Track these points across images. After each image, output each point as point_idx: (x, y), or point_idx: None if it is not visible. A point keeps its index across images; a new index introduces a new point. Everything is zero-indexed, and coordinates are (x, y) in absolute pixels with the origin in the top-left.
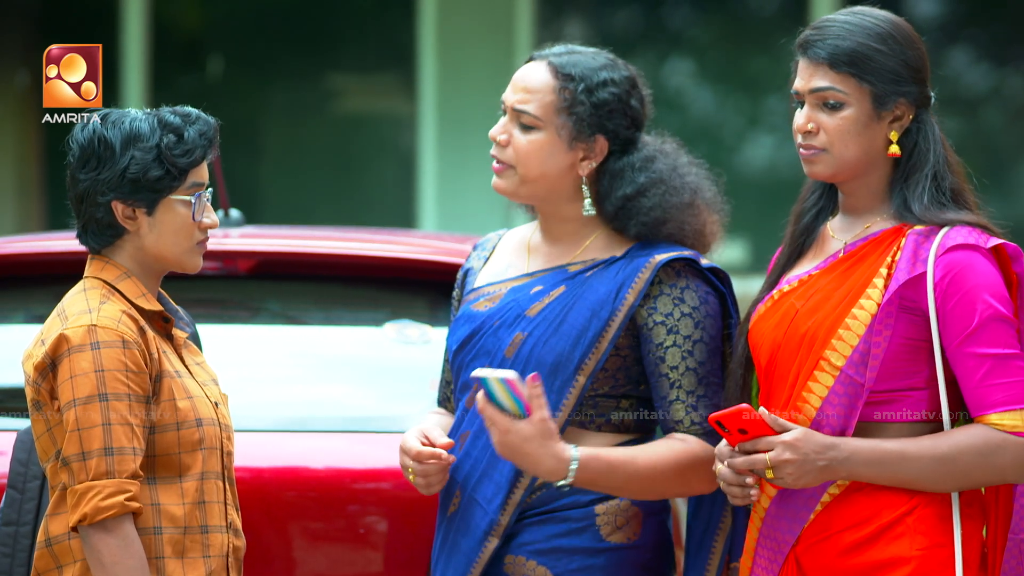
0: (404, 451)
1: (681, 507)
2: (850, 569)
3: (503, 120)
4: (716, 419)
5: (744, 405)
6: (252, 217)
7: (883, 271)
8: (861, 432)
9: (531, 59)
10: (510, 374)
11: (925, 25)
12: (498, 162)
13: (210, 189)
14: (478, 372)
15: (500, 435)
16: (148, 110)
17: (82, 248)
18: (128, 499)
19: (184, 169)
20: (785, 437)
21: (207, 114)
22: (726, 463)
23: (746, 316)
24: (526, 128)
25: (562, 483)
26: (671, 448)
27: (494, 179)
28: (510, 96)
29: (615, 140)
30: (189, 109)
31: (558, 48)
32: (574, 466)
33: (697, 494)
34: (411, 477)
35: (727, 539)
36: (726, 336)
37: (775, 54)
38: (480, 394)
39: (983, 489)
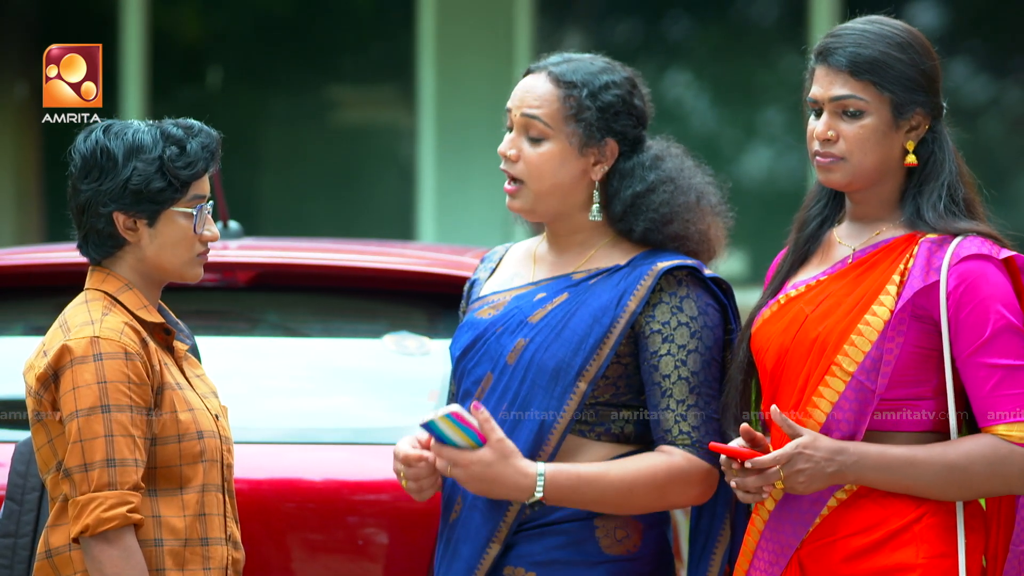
0: (395, 456)
1: (680, 519)
2: (855, 574)
3: (510, 135)
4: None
5: (744, 449)
6: (251, 228)
7: (896, 278)
8: (868, 439)
9: (529, 71)
10: (454, 407)
11: (926, 36)
12: (510, 180)
13: (211, 202)
14: (422, 419)
15: (463, 470)
16: (151, 121)
17: (82, 260)
18: (130, 511)
19: (186, 181)
20: (791, 445)
21: (208, 125)
22: (738, 480)
23: (748, 321)
24: (535, 140)
25: (533, 499)
26: (648, 462)
27: (508, 200)
28: (515, 108)
29: (624, 141)
30: (192, 121)
31: (554, 57)
32: (541, 481)
33: (681, 507)
34: (404, 483)
35: (726, 551)
36: (727, 345)
37: (775, 65)
38: (433, 442)
39: (983, 502)
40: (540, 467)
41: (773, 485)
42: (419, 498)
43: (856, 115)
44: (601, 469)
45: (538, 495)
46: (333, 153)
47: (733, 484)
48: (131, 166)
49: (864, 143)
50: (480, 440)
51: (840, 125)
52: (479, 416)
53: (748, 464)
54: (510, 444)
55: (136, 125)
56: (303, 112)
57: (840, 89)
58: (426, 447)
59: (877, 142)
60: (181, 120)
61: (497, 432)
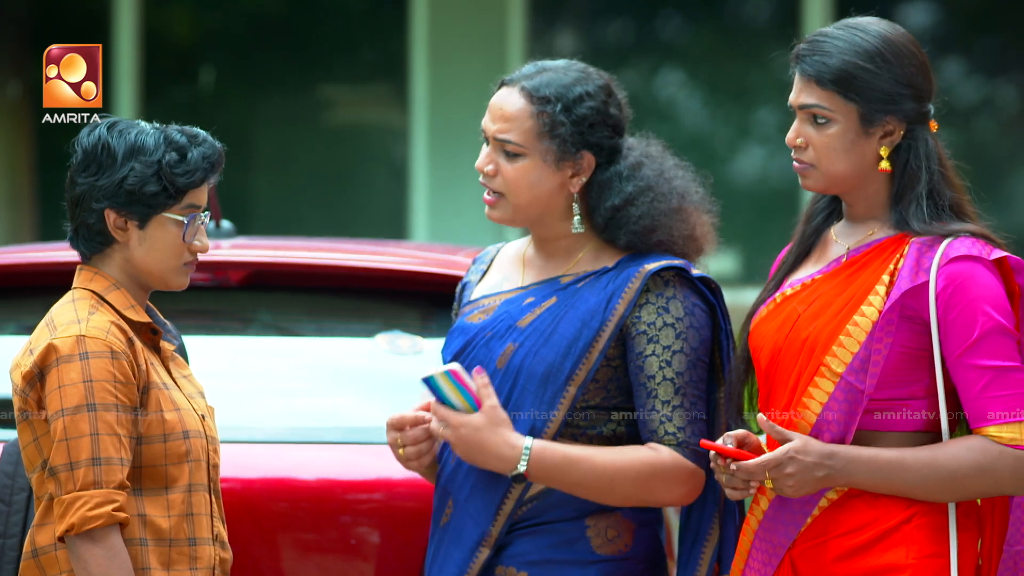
0: (388, 425)
1: (673, 518)
2: (845, 574)
3: (487, 150)
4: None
5: (734, 449)
6: (243, 228)
7: (885, 278)
8: (860, 440)
9: (503, 84)
10: (454, 366)
11: (918, 37)
12: (489, 192)
13: (206, 213)
14: (424, 373)
15: (454, 431)
16: (157, 125)
17: (73, 259)
18: (115, 509)
19: (182, 189)
20: (781, 450)
21: (204, 129)
22: (726, 478)
23: (748, 316)
24: (511, 156)
25: (516, 472)
26: (636, 453)
27: (488, 210)
28: (490, 126)
29: (600, 152)
30: (198, 130)
31: (528, 68)
32: (526, 453)
33: (666, 505)
34: (400, 452)
35: (715, 550)
36: (716, 347)
37: (767, 65)
38: (432, 398)
39: (979, 500)
40: (528, 441)
41: (761, 482)
42: (418, 464)
43: (823, 123)
44: (588, 453)
45: (521, 468)
46: (326, 153)
47: (722, 481)
48: (129, 166)
49: (831, 151)
50: (476, 403)
51: (809, 132)
52: (478, 381)
53: (734, 467)
54: (502, 413)
55: (142, 126)
56: (296, 112)
57: (807, 97)
58: (425, 410)
59: (845, 149)
60: (187, 128)
61: (491, 399)
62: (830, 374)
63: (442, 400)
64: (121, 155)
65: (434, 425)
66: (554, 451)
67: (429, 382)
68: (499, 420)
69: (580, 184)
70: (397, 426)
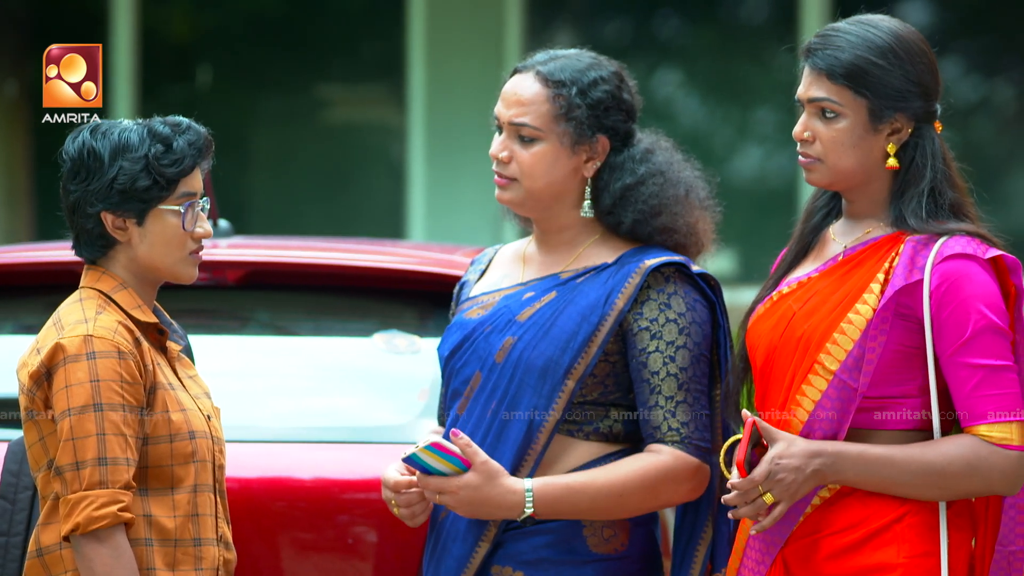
0: (385, 485)
1: (669, 517)
2: (836, 573)
3: (500, 137)
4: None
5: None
6: (241, 227)
7: (880, 276)
8: (854, 438)
9: (516, 71)
10: (433, 438)
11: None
12: (501, 177)
13: (205, 199)
14: (403, 455)
15: (452, 496)
16: (140, 120)
17: (73, 259)
18: (121, 509)
19: (172, 179)
20: (765, 461)
21: (197, 123)
22: (732, 513)
23: (746, 315)
24: (527, 141)
25: (524, 515)
26: (637, 464)
27: (498, 192)
28: (504, 112)
29: (615, 136)
30: (180, 119)
31: (540, 56)
32: (529, 495)
33: (675, 505)
34: (395, 510)
35: (708, 548)
36: (715, 343)
37: (765, 64)
38: (418, 474)
39: (973, 499)
40: (527, 483)
41: (768, 512)
42: (412, 523)
43: (832, 117)
44: (589, 477)
45: (528, 511)
46: (323, 152)
47: (731, 515)
48: (117, 165)
49: (839, 145)
50: (464, 465)
51: (817, 126)
52: (459, 442)
53: (728, 484)
54: (495, 465)
55: (124, 124)
56: (293, 111)
57: (817, 91)
58: (414, 474)
59: (853, 145)
60: (170, 118)
61: (480, 455)
62: (824, 372)
63: (428, 471)
64: (108, 156)
65: (428, 495)
66: (556, 485)
67: (412, 460)
68: (494, 472)
69: (594, 169)
70: (392, 489)
